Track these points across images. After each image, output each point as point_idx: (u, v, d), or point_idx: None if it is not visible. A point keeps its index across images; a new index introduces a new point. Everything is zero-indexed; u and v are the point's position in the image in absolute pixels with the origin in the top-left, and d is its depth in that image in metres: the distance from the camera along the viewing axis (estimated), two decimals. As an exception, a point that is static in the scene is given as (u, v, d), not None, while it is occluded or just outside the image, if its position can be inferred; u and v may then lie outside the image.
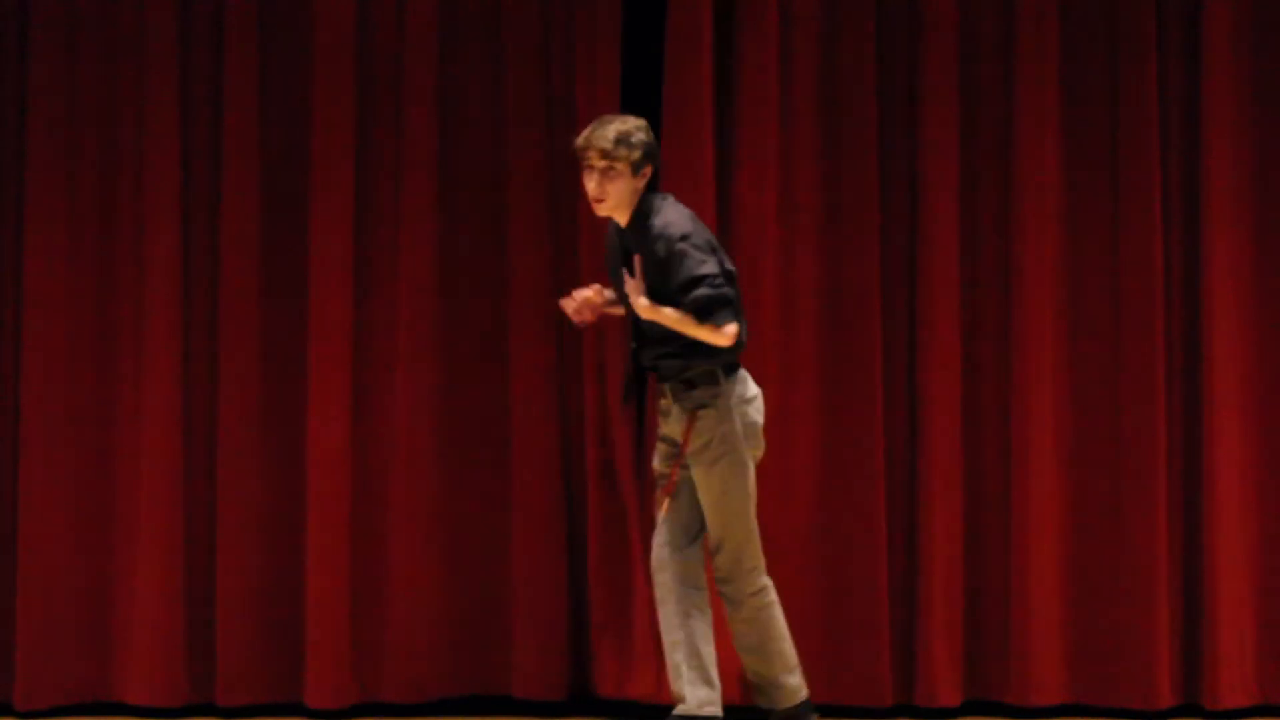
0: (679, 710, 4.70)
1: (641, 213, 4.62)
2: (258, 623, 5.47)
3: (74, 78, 5.51)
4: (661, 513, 4.69)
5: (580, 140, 4.62)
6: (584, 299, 4.80)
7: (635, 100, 5.36)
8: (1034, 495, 5.44)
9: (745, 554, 4.67)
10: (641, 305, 4.55)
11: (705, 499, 4.66)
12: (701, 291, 4.53)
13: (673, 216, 4.60)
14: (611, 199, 4.61)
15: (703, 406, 4.60)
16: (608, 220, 4.74)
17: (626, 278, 4.59)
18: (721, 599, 4.73)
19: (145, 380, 5.48)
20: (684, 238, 4.56)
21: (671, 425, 4.68)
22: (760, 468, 5.24)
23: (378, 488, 5.51)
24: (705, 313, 4.53)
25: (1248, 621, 5.44)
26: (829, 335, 5.52)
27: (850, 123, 5.51)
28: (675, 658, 4.69)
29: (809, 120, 5.52)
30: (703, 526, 4.72)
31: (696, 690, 4.69)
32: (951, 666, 5.42)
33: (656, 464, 4.78)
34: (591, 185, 4.60)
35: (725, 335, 4.55)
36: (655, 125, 4.92)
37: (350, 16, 5.49)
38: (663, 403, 4.71)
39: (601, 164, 4.57)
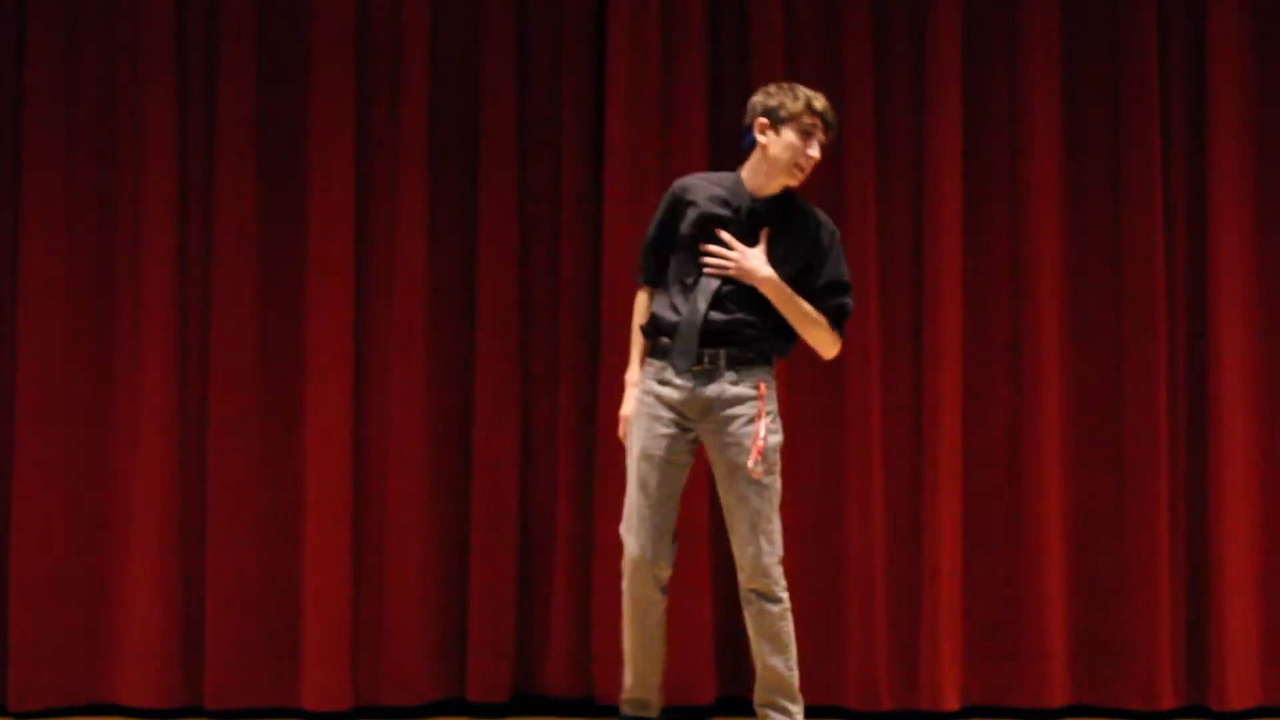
0: (633, 712, 4.70)
1: (795, 195, 4.57)
2: (254, 623, 5.42)
3: (71, 75, 5.50)
4: (759, 475, 4.46)
5: (818, 104, 4.49)
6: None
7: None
8: (1037, 495, 5.43)
9: (778, 545, 4.51)
10: (762, 275, 4.44)
11: (748, 478, 4.47)
12: (848, 300, 4.57)
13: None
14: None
15: (764, 382, 4.51)
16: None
17: (735, 243, 4.46)
18: (742, 600, 4.57)
19: (141, 379, 5.45)
20: (841, 240, 4.59)
21: (702, 390, 4.45)
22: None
23: (377, 487, 5.48)
24: (840, 320, 4.55)
25: (1252, 622, 5.42)
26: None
27: (852, 124, 5.48)
28: (644, 667, 4.64)
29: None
30: (677, 529, 4.59)
31: (653, 692, 4.69)
32: (952, 668, 5.39)
33: (661, 449, 4.51)
34: (817, 152, 4.51)
35: (836, 348, 4.61)
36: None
37: (350, 13, 5.49)
38: (699, 368, 4.47)
39: (823, 139, 4.52)
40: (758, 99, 4.55)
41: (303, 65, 5.51)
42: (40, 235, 5.46)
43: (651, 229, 4.64)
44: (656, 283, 4.62)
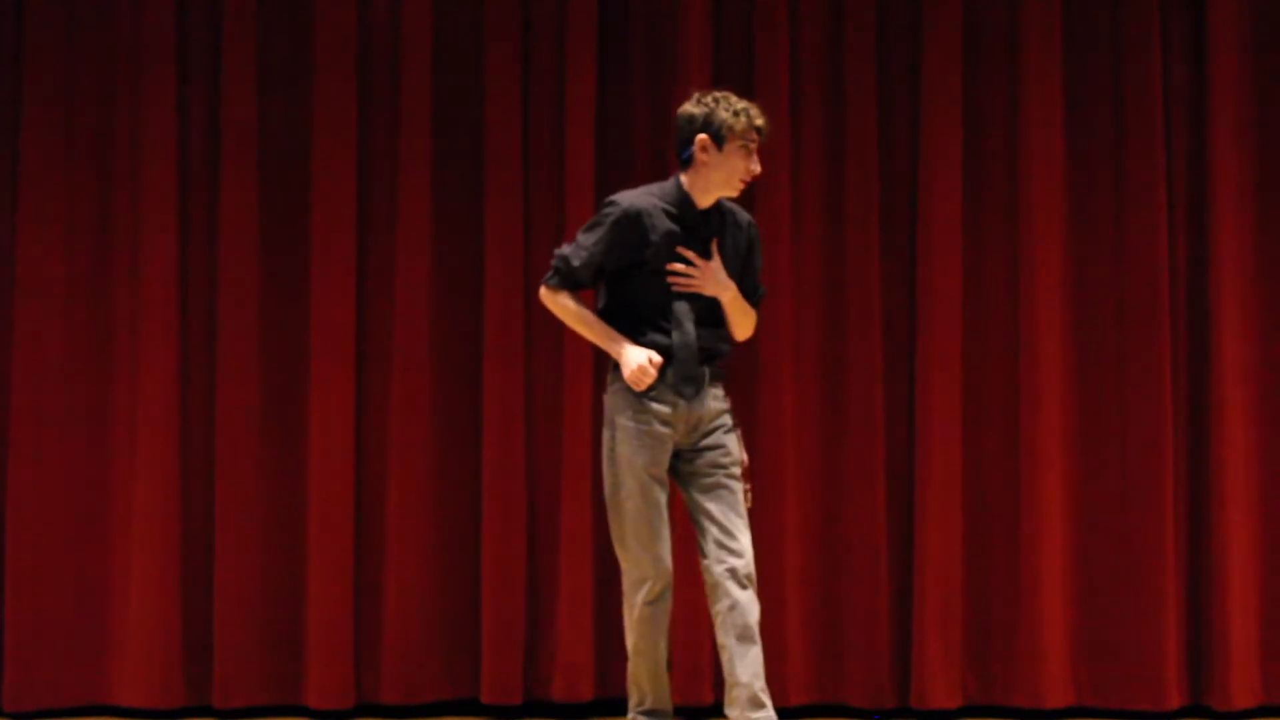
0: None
1: (724, 201, 4.56)
2: (257, 623, 5.42)
3: (71, 76, 5.49)
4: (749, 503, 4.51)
5: (760, 122, 4.42)
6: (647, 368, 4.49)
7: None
8: (1038, 495, 5.41)
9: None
10: (729, 291, 4.47)
11: (729, 473, 4.49)
12: (762, 287, 4.65)
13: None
14: None
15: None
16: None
17: (698, 259, 4.44)
18: (737, 585, 4.42)
19: (141, 379, 5.44)
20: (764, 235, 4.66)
21: (695, 408, 4.43)
22: (761, 467, 5.22)
23: (381, 486, 5.47)
24: (757, 306, 4.62)
25: (1254, 622, 5.41)
26: (830, 335, 5.51)
27: (854, 124, 5.50)
28: (661, 678, 4.56)
29: (815, 123, 5.53)
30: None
31: (668, 700, 4.63)
32: (952, 668, 5.38)
33: (662, 465, 4.46)
34: (759, 166, 4.47)
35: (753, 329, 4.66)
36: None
37: (351, 15, 5.48)
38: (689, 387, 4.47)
39: (755, 147, 4.47)
40: (695, 112, 4.43)
41: (304, 67, 5.50)
42: (38, 235, 5.44)
43: (596, 246, 4.42)
44: (577, 290, 4.53)
